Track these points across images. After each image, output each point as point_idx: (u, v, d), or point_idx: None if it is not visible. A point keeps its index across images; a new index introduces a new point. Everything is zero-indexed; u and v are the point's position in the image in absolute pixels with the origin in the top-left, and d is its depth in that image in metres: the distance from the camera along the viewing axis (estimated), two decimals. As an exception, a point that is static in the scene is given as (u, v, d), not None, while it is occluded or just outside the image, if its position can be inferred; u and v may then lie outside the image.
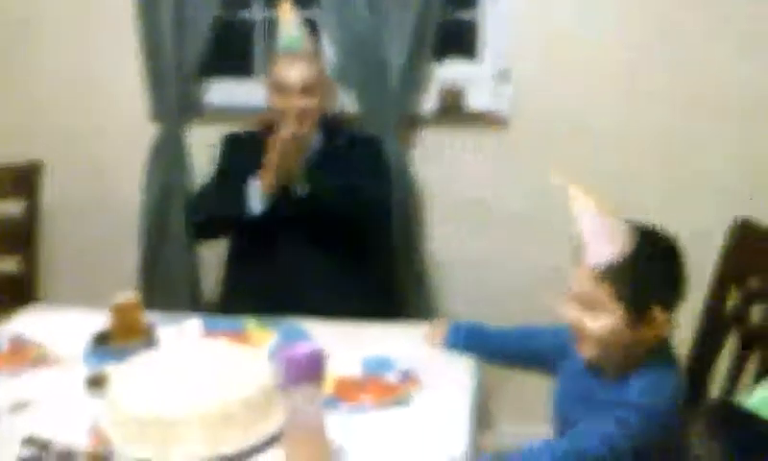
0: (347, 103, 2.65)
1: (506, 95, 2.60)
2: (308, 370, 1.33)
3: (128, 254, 2.82)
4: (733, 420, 1.02)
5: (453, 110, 2.65)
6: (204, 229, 2.44)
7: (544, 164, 2.57)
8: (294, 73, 2.27)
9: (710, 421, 0.97)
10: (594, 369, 1.48)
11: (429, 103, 2.66)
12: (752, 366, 1.74)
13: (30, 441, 1.21)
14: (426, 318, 2.31)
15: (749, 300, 1.75)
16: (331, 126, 2.41)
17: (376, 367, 1.69)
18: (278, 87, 2.29)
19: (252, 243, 2.30)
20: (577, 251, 1.41)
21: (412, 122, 2.66)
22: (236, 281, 2.38)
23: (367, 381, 1.65)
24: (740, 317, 1.77)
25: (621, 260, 1.36)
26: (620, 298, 1.37)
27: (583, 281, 1.41)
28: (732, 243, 1.81)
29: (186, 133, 2.77)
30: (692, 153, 2.53)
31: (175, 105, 2.72)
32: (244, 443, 1.39)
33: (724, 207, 1.98)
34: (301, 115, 2.26)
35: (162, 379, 1.45)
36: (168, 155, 2.76)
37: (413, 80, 2.59)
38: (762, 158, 2.47)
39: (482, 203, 2.69)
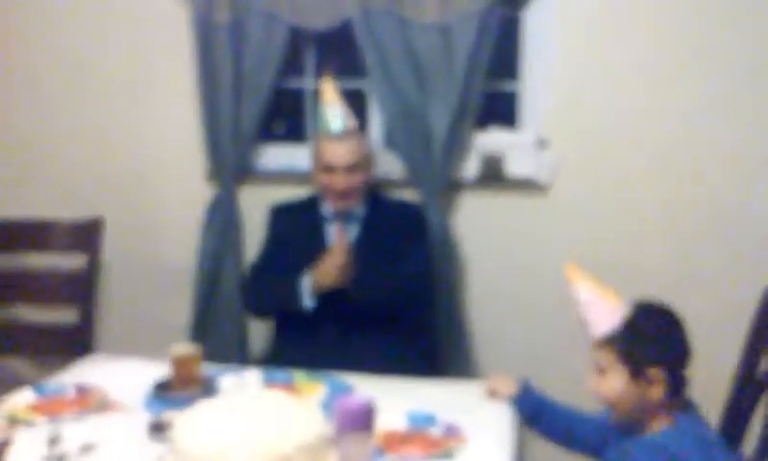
0: (393, 169, 2.77)
1: (545, 163, 2.71)
2: (360, 419, 1.42)
3: (180, 311, 2.94)
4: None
5: (494, 177, 2.75)
6: (256, 312, 2.64)
7: (583, 230, 2.67)
8: (338, 154, 2.39)
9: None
10: (626, 431, 1.63)
11: (471, 170, 2.77)
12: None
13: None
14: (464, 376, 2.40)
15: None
16: (375, 195, 2.54)
17: (421, 422, 1.78)
18: (324, 168, 2.41)
19: (298, 317, 2.36)
20: (586, 327, 1.61)
21: (455, 188, 2.77)
22: (282, 348, 2.46)
23: (412, 435, 1.73)
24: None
25: (620, 326, 1.57)
26: (620, 360, 1.57)
27: (593, 351, 1.61)
28: (763, 309, 1.88)
29: (240, 195, 2.90)
30: (735, 224, 2.61)
31: (230, 167, 2.85)
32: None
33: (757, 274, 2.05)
34: (346, 192, 2.40)
35: (224, 425, 1.54)
36: (222, 215, 2.88)
37: (456, 147, 2.70)
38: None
39: (522, 268, 2.78)
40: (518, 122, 2.80)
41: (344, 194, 2.41)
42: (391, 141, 2.80)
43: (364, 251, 2.37)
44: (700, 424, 1.58)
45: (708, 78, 2.56)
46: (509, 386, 1.94)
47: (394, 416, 1.76)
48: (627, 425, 1.63)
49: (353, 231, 2.45)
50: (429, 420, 1.78)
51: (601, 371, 1.61)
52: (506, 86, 2.80)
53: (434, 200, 2.70)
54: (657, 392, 1.56)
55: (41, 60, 3.00)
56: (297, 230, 2.50)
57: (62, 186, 3.04)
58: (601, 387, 1.61)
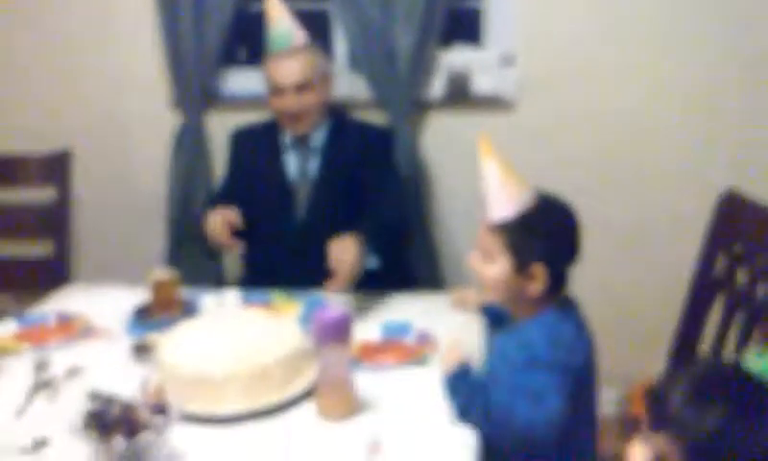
0: (359, 90, 2.79)
1: (511, 79, 2.74)
2: (337, 331, 1.48)
3: (154, 238, 2.98)
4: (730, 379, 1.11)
5: (460, 95, 2.78)
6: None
7: (550, 145, 2.73)
8: (286, 73, 2.23)
9: (701, 382, 1.06)
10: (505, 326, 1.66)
11: (437, 88, 2.79)
12: (737, 327, 1.88)
13: (94, 396, 1.36)
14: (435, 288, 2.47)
15: (734, 264, 1.90)
16: (339, 119, 2.40)
17: (395, 332, 1.86)
18: (273, 90, 2.26)
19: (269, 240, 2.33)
20: (483, 206, 1.58)
21: (421, 107, 2.80)
22: (257, 269, 2.44)
23: (387, 345, 1.82)
24: (726, 281, 1.91)
25: (513, 217, 1.54)
26: (507, 250, 1.54)
27: (483, 233, 1.58)
28: (720, 212, 1.96)
29: (207, 122, 2.91)
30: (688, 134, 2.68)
31: (195, 93, 2.86)
32: (280, 398, 1.55)
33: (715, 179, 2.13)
34: (298, 114, 2.26)
35: (206, 343, 1.61)
36: (190, 142, 2.90)
37: (421, 66, 2.72)
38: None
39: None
40: (483, 39, 2.82)
41: (295, 117, 2.26)
42: (355, 62, 2.81)
43: (327, 186, 2.31)
44: (563, 322, 1.56)
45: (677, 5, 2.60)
46: (475, 297, 1.95)
47: (369, 327, 1.84)
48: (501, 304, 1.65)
49: (314, 165, 2.34)
50: (403, 329, 1.86)
51: (486, 254, 1.58)
52: (470, 3, 2.81)
53: (401, 120, 2.73)
54: (535, 287, 1.54)
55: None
56: (256, 157, 2.39)
57: (30, 122, 3.02)
58: (483, 269, 1.59)
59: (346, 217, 2.17)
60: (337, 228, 2.07)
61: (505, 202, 1.55)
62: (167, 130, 2.91)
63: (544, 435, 1.43)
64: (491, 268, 1.57)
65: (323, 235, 2.13)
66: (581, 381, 1.54)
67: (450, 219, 2.89)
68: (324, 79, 2.34)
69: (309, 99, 2.26)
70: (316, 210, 2.32)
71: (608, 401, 2.58)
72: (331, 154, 2.33)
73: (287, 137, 2.34)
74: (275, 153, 2.36)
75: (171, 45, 2.83)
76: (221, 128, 2.83)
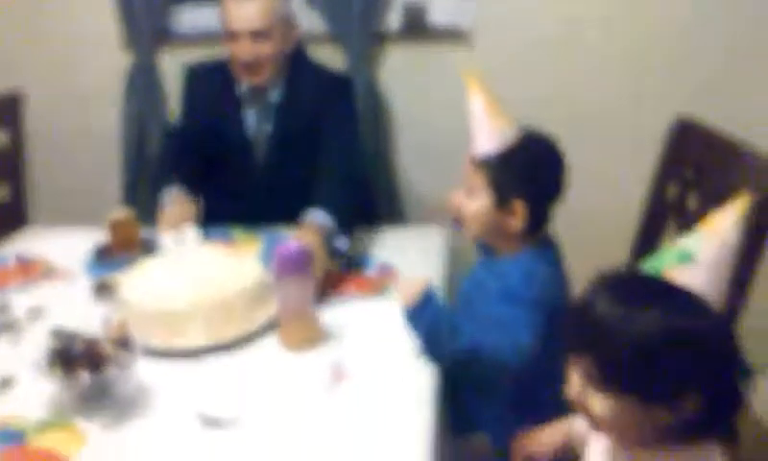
0: (315, 25, 2.76)
1: (468, 10, 2.73)
2: (299, 263, 1.50)
3: (109, 180, 2.95)
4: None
5: (417, 27, 2.76)
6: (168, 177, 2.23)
7: (508, 77, 2.73)
8: (242, 17, 2.07)
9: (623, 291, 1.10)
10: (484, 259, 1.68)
11: (394, 21, 2.76)
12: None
13: (57, 333, 1.37)
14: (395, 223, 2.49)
15: (685, 190, 1.95)
16: (297, 67, 2.23)
17: (357, 263, 1.89)
18: (229, 34, 2.11)
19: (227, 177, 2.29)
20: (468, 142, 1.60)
21: (378, 41, 2.77)
22: (215, 206, 2.31)
23: (348, 277, 1.84)
24: (678, 206, 1.96)
25: (497, 153, 1.55)
26: (489, 185, 1.56)
27: (467, 168, 1.60)
28: (671, 139, 2.00)
29: (159, 61, 2.86)
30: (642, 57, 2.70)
31: (146, 32, 2.79)
32: (242, 330, 1.57)
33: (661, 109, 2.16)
34: (254, 64, 2.10)
35: (167, 279, 1.62)
36: (142, 81, 2.85)
37: (377, -2, 2.69)
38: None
39: (449, 118, 2.84)
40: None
41: (250, 67, 2.11)
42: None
43: (285, 142, 2.22)
44: (540, 262, 1.57)
45: None
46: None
47: (340, 240, 1.86)
48: (480, 241, 1.67)
49: (271, 122, 2.22)
50: (363, 261, 1.89)
51: (469, 190, 1.59)
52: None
53: (357, 54, 2.71)
54: (515, 223, 1.56)
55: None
56: (214, 106, 2.25)
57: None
58: (464, 205, 1.60)
59: (304, 172, 2.10)
60: (296, 182, 2.07)
61: (488, 138, 1.56)
62: (119, 70, 2.86)
63: (509, 366, 1.45)
64: (472, 203, 1.58)
65: (281, 188, 2.17)
66: (556, 321, 1.57)
67: (409, 152, 2.89)
68: (285, 27, 2.16)
69: (266, 49, 2.09)
70: (274, 165, 2.25)
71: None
72: (289, 111, 2.20)
73: (244, 89, 2.21)
74: (232, 106, 2.23)
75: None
76: (174, 66, 2.78)
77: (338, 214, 1.88)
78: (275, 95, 2.20)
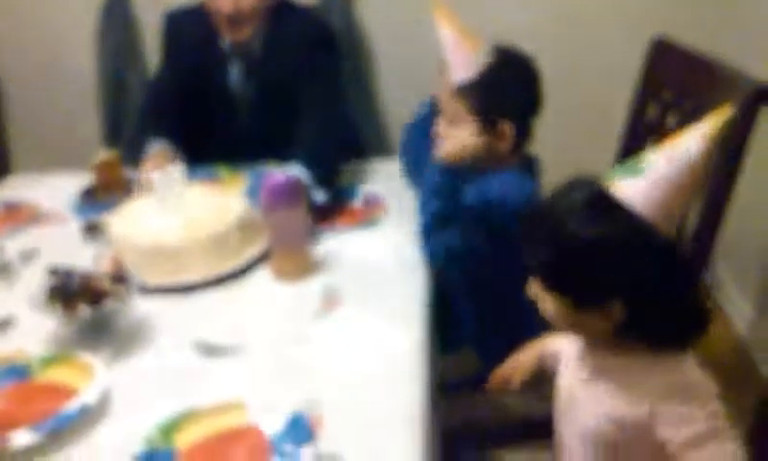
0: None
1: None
2: (289, 194, 1.52)
3: (89, 122, 2.93)
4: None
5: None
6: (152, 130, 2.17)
7: (487, 3, 2.73)
8: None
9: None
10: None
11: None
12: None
13: (54, 271, 1.39)
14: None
15: (665, 110, 1.97)
16: (277, 17, 2.12)
17: (345, 196, 1.92)
18: None
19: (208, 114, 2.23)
20: (443, 70, 1.60)
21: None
22: (197, 148, 2.24)
23: (337, 209, 1.87)
24: (658, 126, 1.99)
25: (475, 78, 1.56)
26: (473, 111, 1.57)
27: (447, 98, 1.61)
28: (650, 60, 2.02)
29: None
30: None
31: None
32: (236, 263, 1.60)
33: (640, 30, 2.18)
34: (236, 16, 2.01)
35: (157, 216, 1.63)
36: (117, 18, 2.81)
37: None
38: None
39: (426, 47, 2.84)
40: None
41: (233, 19, 2.01)
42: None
43: (269, 97, 2.15)
44: (524, 177, 1.62)
45: None
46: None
47: (317, 193, 1.87)
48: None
49: (255, 76, 2.15)
50: (350, 193, 1.92)
51: (452, 120, 1.59)
52: None
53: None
54: (504, 144, 1.58)
55: None
56: (195, 59, 2.17)
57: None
58: (449, 135, 1.60)
59: (288, 124, 2.06)
60: (280, 135, 2.04)
61: (463, 64, 1.56)
62: (93, 7, 2.81)
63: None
64: (458, 132, 1.59)
65: (265, 141, 2.12)
66: None
67: (390, 82, 2.89)
68: None
69: (248, 1, 2.00)
70: (258, 118, 2.19)
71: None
72: (271, 65, 2.12)
73: (226, 44, 2.13)
74: (215, 60, 2.16)
75: None
76: (149, 1, 2.75)
77: (316, 167, 1.83)
78: (257, 48, 2.12)
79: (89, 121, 2.94)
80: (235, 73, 2.17)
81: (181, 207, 1.66)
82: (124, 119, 2.89)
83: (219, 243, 1.58)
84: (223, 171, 2.11)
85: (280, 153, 1.97)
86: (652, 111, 2.02)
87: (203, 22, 2.12)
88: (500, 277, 1.53)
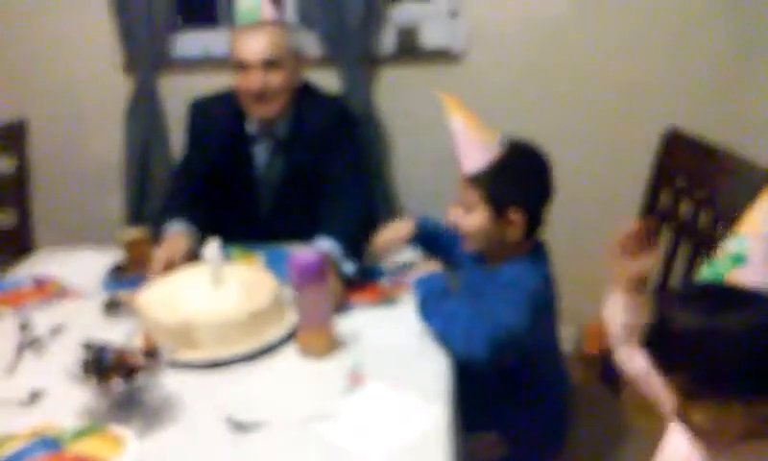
0: (310, 47, 2.83)
1: (459, 32, 2.82)
2: (318, 271, 1.56)
3: (113, 204, 3.00)
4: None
5: (410, 49, 2.85)
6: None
7: (499, 96, 2.82)
8: (252, 47, 2.07)
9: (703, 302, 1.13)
10: (480, 261, 1.75)
11: (387, 43, 2.85)
12: (683, 256, 2.01)
13: (88, 345, 1.43)
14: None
15: (677, 198, 2.03)
16: (302, 101, 2.21)
17: (373, 275, 1.97)
18: (239, 64, 2.10)
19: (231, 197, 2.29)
20: (456, 162, 1.66)
21: (372, 63, 2.85)
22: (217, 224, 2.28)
23: (364, 286, 1.91)
24: (671, 213, 2.05)
25: (486, 168, 1.62)
26: (484, 199, 1.63)
27: (460, 187, 1.67)
28: (662, 150, 2.09)
29: (160, 85, 2.92)
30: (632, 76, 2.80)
31: (147, 56, 2.86)
32: (265, 340, 1.63)
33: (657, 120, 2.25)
34: (264, 93, 2.09)
35: (187, 294, 1.67)
36: (144, 106, 2.91)
37: (371, 20, 2.76)
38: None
39: (442, 138, 2.91)
40: (430, -7, 2.89)
41: (261, 97, 2.09)
42: (306, 19, 2.85)
43: (293, 180, 2.22)
44: (535, 263, 1.67)
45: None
46: (404, 230, 1.95)
47: (347, 265, 1.89)
48: (479, 254, 1.74)
49: (280, 159, 2.23)
50: (379, 273, 1.98)
51: (466, 207, 1.66)
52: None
53: (352, 76, 2.79)
54: (515, 232, 1.63)
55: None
56: (221, 143, 2.23)
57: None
58: (463, 222, 1.67)
59: (312, 206, 2.14)
60: (302, 221, 2.09)
61: (476, 153, 1.63)
62: (121, 94, 2.92)
63: (502, 346, 1.53)
64: (471, 219, 1.66)
65: (287, 228, 2.16)
66: (544, 317, 1.66)
67: (406, 169, 2.97)
68: (294, 60, 2.17)
69: (276, 79, 2.09)
70: (282, 198, 2.26)
71: (566, 339, 2.71)
72: (297, 147, 2.20)
73: (253, 126, 2.21)
74: (240, 143, 2.23)
75: (121, 7, 2.82)
76: (175, 90, 2.86)
77: (345, 241, 1.89)
78: (283, 130, 2.20)
79: (112, 201, 3.01)
80: (261, 154, 2.23)
81: (215, 284, 1.70)
82: (147, 200, 2.97)
83: (251, 321, 1.61)
84: (235, 251, 2.09)
85: (300, 232, 2.03)
86: (664, 199, 2.08)
87: (229, 107, 2.21)
88: (524, 358, 1.57)
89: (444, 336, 1.60)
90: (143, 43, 2.85)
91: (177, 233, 2.06)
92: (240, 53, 2.10)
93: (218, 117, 2.25)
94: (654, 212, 2.09)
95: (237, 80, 2.13)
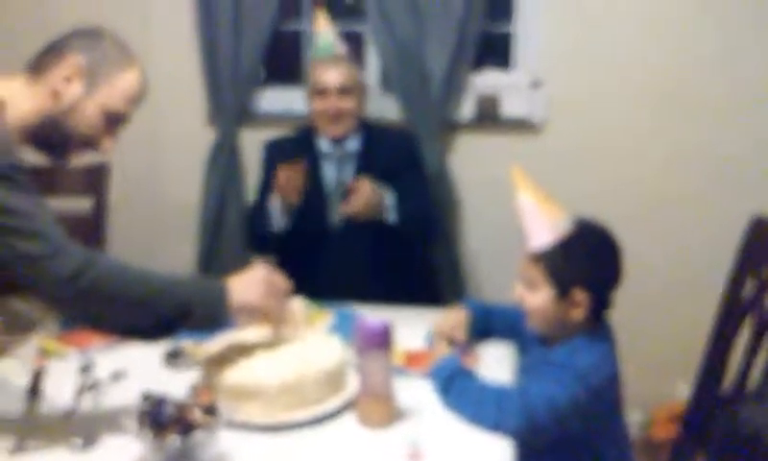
0: (390, 111, 2.85)
1: (539, 102, 2.80)
2: (380, 339, 1.52)
3: (184, 252, 3.06)
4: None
5: (489, 117, 2.84)
6: (256, 247, 2.59)
7: (578, 168, 2.78)
8: (330, 76, 2.41)
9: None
10: (543, 341, 1.70)
11: (467, 110, 2.85)
12: (765, 352, 1.91)
13: (147, 397, 1.41)
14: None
15: (763, 288, 1.93)
16: (369, 129, 2.53)
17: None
18: (317, 90, 2.43)
19: (300, 253, 2.43)
20: (522, 237, 1.63)
21: (451, 129, 2.85)
22: (291, 268, 2.42)
23: (425, 354, 1.83)
24: (755, 305, 1.94)
25: (553, 245, 1.58)
26: (548, 278, 1.59)
27: (524, 263, 1.64)
28: (749, 237, 2.00)
29: (241, 138, 2.98)
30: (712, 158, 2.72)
31: (231, 110, 2.93)
32: (322, 408, 1.59)
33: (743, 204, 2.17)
34: (339, 115, 2.41)
35: (250, 354, 1.65)
36: (224, 158, 2.97)
37: (453, 88, 2.79)
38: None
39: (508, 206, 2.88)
40: (513, 63, 2.88)
41: (335, 117, 2.42)
42: (388, 83, 2.87)
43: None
44: (594, 341, 1.61)
45: (702, 26, 2.67)
46: (459, 320, 1.87)
47: (411, 338, 1.87)
48: (543, 334, 1.69)
49: (350, 170, 2.46)
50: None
51: (529, 284, 1.63)
52: (501, 27, 2.87)
53: (431, 141, 2.79)
54: (578, 313, 1.59)
55: (35, 15, 3.02)
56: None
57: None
58: (526, 300, 1.64)
59: (382, 224, 2.31)
60: (372, 235, 2.33)
61: (543, 230, 1.60)
62: (203, 145, 2.98)
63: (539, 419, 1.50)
64: (534, 297, 1.62)
65: (358, 242, 2.37)
66: (602, 400, 1.58)
67: (477, 239, 2.93)
68: (362, 90, 2.51)
69: (349, 103, 2.42)
70: (351, 218, 2.34)
71: (632, 424, 2.61)
72: (366, 160, 2.46)
73: (323, 144, 2.47)
74: (311, 160, 2.41)
75: (208, 63, 2.91)
76: (254, 144, 2.89)
77: (402, 209, 2.27)
78: (353, 145, 2.47)
79: (185, 248, 3.07)
80: (331, 169, 2.47)
81: (272, 345, 1.67)
82: (219, 248, 3.00)
83: (313, 388, 1.58)
84: (308, 307, 2.10)
85: (368, 248, 2.36)
86: (748, 290, 1.98)
87: (298, 138, 2.54)
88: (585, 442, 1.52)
89: (476, 420, 1.55)
90: (228, 97, 2.92)
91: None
92: (319, 80, 2.42)
93: (288, 149, 2.52)
94: (736, 302, 1.99)
95: (315, 104, 2.45)
